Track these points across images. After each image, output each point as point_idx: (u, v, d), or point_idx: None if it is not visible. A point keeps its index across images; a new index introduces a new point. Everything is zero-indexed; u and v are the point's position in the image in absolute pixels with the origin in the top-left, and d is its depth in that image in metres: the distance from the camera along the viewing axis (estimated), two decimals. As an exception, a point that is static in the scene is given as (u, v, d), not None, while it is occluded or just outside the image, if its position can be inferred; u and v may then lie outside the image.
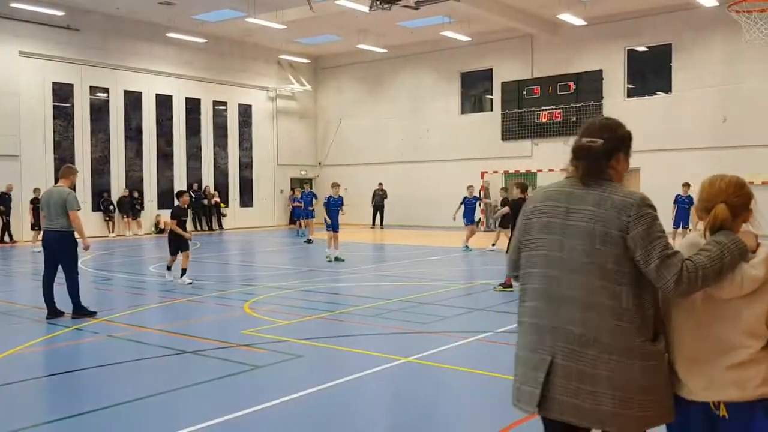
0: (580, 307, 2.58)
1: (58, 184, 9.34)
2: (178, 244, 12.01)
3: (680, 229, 17.57)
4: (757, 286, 2.50)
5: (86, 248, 9.17)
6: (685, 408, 2.62)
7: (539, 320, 2.69)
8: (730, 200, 2.62)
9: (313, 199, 21.40)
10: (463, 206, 18.37)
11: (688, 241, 2.71)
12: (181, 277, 12.02)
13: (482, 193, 24.83)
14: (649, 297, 2.59)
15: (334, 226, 15.62)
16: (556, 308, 2.63)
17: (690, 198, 17.28)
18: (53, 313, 9.03)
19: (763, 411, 2.50)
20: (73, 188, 9.38)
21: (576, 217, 2.63)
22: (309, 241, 20.55)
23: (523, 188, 11.27)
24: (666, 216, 19.01)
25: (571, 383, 2.56)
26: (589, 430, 2.66)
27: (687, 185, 17.57)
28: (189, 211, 13.02)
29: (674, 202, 17.68)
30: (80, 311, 9.05)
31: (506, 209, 11.01)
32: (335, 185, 16.31)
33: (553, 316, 2.64)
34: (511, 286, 11.03)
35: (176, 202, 12.83)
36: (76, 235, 9.07)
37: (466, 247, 17.55)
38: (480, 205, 17.37)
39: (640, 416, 2.54)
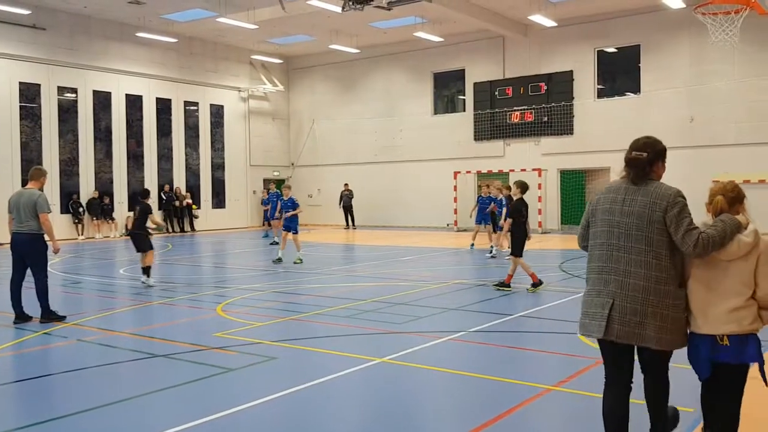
0: (633, 264, 3.81)
1: (27, 186, 9.19)
2: (148, 242, 12.06)
3: None
4: (749, 250, 3.72)
5: (56, 251, 9.02)
6: (696, 338, 3.84)
7: (603, 275, 3.92)
8: (726, 194, 3.89)
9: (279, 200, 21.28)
10: (478, 205, 18.42)
11: (700, 222, 3.85)
12: (147, 276, 12.02)
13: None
14: (679, 257, 3.84)
15: (287, 228, 15.67)
16: (615, 266, 3.87)
17: None
18: (21, 317, 8.87)
19: (754, 340, 3.74)
20: (42, 190, 9.23)
21: (631, 204, 3.87)
22: (275, 243, 20.37)
23: (524, 188, 11.19)
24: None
25: (626, 317, 3.80)
26: (634, 348, 3.91)
27: None
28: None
29: None
30: (49, 315, 8.91)
31: (509, 221, 11.10)
32: (286, 187, 16.54)
33: (613, 271, 3.87)
34: (541, 283, 10.97)
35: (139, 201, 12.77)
36: (46, 237, 8.92)
37: (471, 245, 18.01)
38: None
39: (672, 339, 3.81)
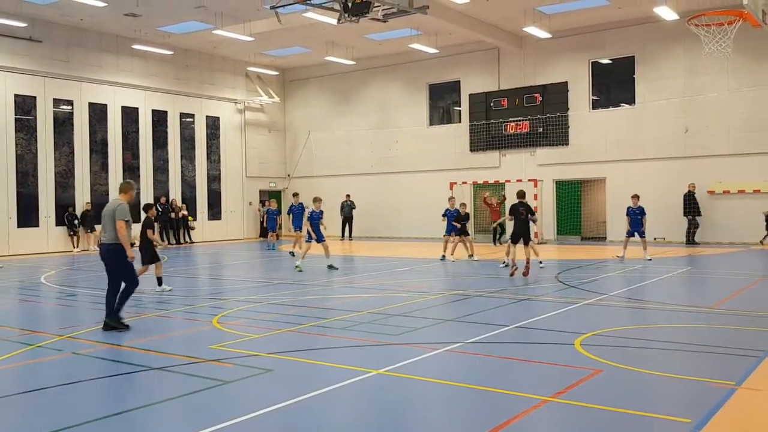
0: None
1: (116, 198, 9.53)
2: (152, 255, 12.57)
3: (635, 237, 17.92)
4: None
5: (130, 259, 9.13)
6: None
7: None
8: None
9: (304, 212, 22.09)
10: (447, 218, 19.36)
11: None
12: (160, 285, 12.61)
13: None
14: None
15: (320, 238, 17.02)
16: None
17: (641, 209, 17.61)
18: (115, 323, 9.09)
19: None
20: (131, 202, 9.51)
21: None
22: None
23: (521, 195, 14.68)
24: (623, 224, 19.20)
25: None
26: None
27: (636, 197, 17.89)
28: (156, 224, 13.62)
29: (626, 214, 17.94)
30: (118, 321, 9.14)
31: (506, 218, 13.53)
32: (318, 200, 17.54)
33: None
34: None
35: (143, 215, 13.16)
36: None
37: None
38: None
39: None
